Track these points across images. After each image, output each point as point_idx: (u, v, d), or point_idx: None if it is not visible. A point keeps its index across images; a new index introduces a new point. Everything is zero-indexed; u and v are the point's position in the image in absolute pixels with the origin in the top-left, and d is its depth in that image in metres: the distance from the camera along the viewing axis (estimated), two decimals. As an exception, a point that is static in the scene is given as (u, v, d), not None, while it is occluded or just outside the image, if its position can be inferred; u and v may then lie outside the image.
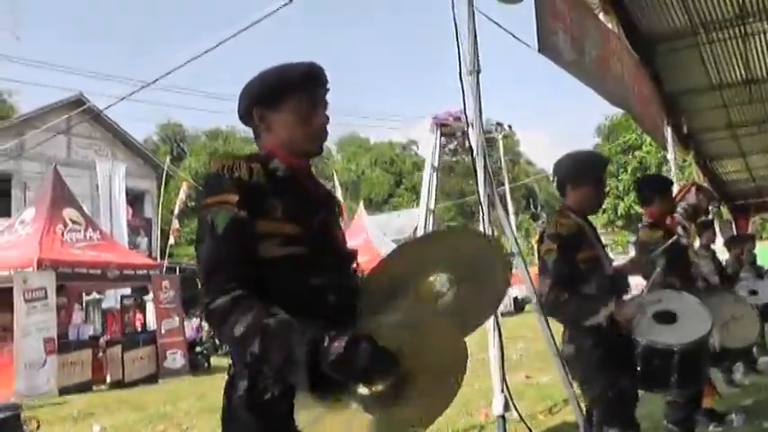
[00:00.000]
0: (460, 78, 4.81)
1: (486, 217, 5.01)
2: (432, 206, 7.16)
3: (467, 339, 2.16)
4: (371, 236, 23.65)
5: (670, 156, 11.45)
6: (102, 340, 18.60)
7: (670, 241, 5.02)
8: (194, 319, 22.50)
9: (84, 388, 16.34)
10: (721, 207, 19.25)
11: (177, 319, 18.95)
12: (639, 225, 6.06)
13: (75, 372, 16.58)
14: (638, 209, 6.02)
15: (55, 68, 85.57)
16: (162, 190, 29.05)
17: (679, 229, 6.03)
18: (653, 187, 5.96)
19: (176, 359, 18.43)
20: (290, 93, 2.38)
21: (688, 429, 5.65)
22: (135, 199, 34.75)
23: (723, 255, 10.95)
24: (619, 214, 41.85)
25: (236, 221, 2.18)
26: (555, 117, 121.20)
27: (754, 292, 8.41)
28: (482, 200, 5.01)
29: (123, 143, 35.52)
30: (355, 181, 65.56)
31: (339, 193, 30.62)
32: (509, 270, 2.41)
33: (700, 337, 3.77)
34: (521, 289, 24.95)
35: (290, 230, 2.25)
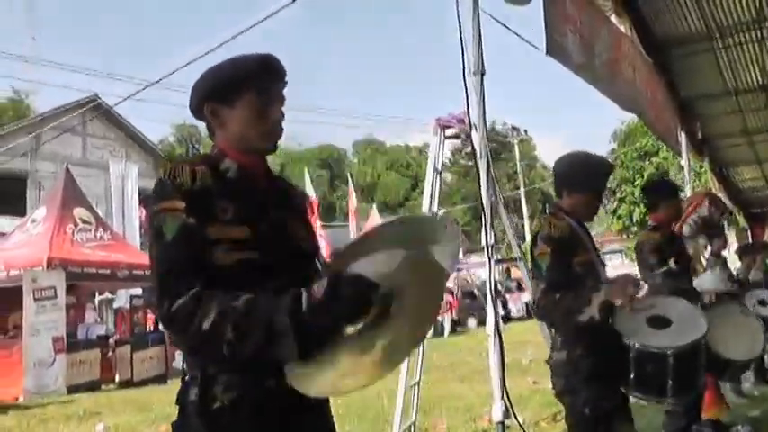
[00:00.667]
0: (464, 79, 4.72)
1: (488, 220, 4.91)
2: (435, 209, 7.03)
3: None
4: None
5: (684, 162, 11.32)
6: (111, 340, 18.64)
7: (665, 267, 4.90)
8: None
9: (92, 387, 16.40)
10: (737, 215, 19.05)
11: (187, 319, 18.74)
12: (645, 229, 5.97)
13: (84, 371, 16.64)
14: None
15: (73, 70, 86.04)
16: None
17: (687, 243, 5.90)
18: (658, 193, 5.86)
19: (186, 359, 18.28)
20: (244, 88, 2.27)
21: None
22: (148, 200, 34.79)
23: (736, 263, 10.82)
24: (634, 221, 41.49)
25: (184, 228, 2.09)
26: (572, 122, 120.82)
27: (763, 303, 8.28)
28: (485, 203, 4.91)
29: (138, 144, 35.69)
30: (371, 184, 65.62)
31: (353, 197, 30.63)
32: (456, 242, 2.33)
33: (695, 341, 3.63)
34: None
35: (239, 235, 2.15)
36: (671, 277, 5.29)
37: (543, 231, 3.82)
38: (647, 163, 43.64)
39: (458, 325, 29.88)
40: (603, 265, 4.01)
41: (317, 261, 2.44)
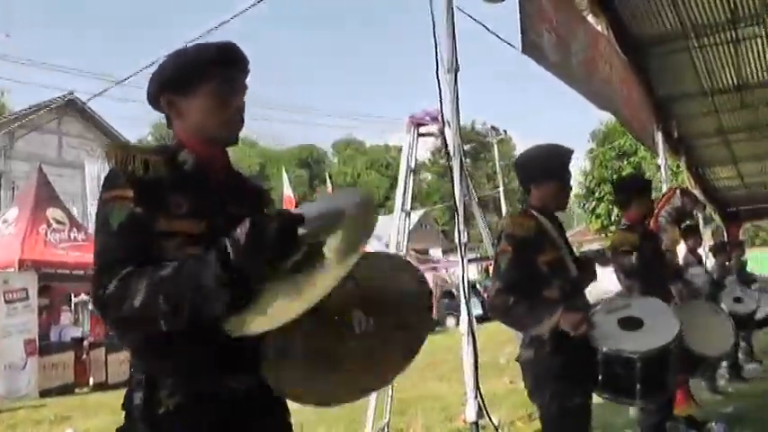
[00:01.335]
0: (437, 77, 4.67)
1: (461, 218, 4.86)
2: (408, 208, 6.98)
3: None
4: (392, 239, 23.44)
5: (661, 161, 11.33)
6: (85, 342, 18.35)
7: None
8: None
9: (66, 390, 16.12)
10: (713, 214, 19.16)
11: (163, 320, 18.56)
12: (617, 228, 5.93)
13: (57, 374, 16.39)
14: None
15: (49, 67, 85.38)
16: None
17: (662, 236, 5.87)
18: (629, 189, 5.80)
19: (161, 361, 18.10)
20: (203, 77, 2.17)
21: None
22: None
23: (709, 261, 10.87)
24: (612, 220, 41.76)
25: (131, 218, 2.00)
26: (552, 122, 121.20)
27: (738, 300, 8.32)
28: (458, 202, 4.85)
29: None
30: (351, 184, 65.62)
31: (331, 197, 30.45)
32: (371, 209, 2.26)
33: (663, 345, 3.58)
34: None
35: (192, 229, 2.07)
36: (645, 276, 5.25)
37: (507, 230, 3.79)
38: (624, 162, 43.97)
39: (436, 324, 29.85)
40: (576, 260, 3.94)
41: None
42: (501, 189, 43.11)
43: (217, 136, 2.23)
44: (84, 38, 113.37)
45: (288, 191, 26.09)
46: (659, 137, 11.00)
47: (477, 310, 27.68)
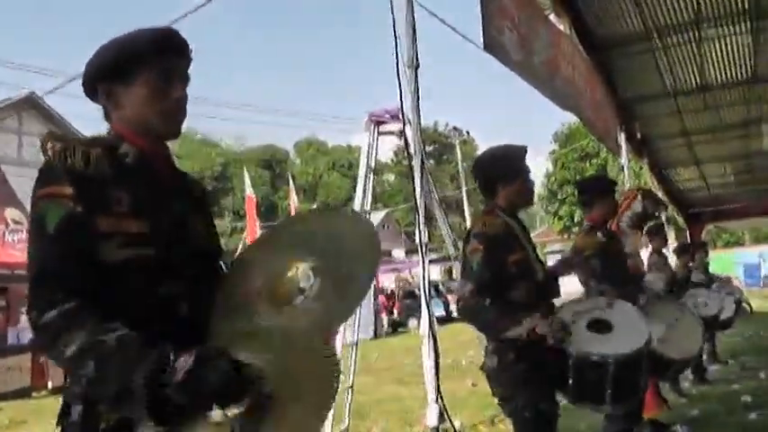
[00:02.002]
0: (398, 73, 4.57)
1: (422, 217, 4.77)
2: (368, 208, 6.88)
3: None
4: None
5: (624, 162, 11.33)
6: (43, 345, 18.06)
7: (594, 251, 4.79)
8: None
9: (23, 394, 15.90)
10: (676, 215, 19.29)
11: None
12: (580, 230, 5.86)
13: (14, 377, 16.17)
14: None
15: (8, 66, 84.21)
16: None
17: (625, 239, 5.81)
18: (591, 190, 5.73)
19: (122, 363, 17.89)
20: (141, 64, 2.01)
21: None
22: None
23: (672, 262, 10.88)
24: (575, 221, 42.06)
25: (69, 218, 1.83)
26: (516, 124, 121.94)
27: (703, 302, 8.33)
28: (418, 200, 4.76)
29: (76, 143, 34.92)
30: (313, 184, 65.45)
31: (294, 197, 30.39)
32: (377, 251, 2.06)
33: (636, 349, 3.52)
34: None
35: (134, 228, 1.90)
36: (608, 278, 5.19)
37: (477, 228, 3.71)
38: (587, 164, 44.29)
39: (399, 326, 29.80)
40: (541, 263, 3.88)
41: (219, 262, 2.21)
42: (464, 190, 43.17)
43: (156, 128, 2.07)
44: (45, 36, 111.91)
45: (249, 191, 25.94)
46: (622, 138, 10.99)
47: (440, 311, 27.70)
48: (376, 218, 43.53)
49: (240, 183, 24.66)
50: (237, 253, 2.55)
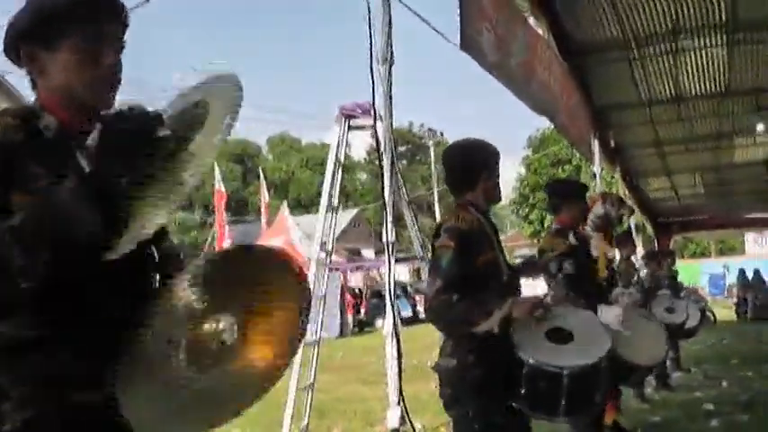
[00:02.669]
0: (371, 68, 4.49)
1: (390, 215, 4.68)
2: (335, 204, 6.79)
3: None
4: (293, 236, 23.11)
5: (596, 169, 11.32)
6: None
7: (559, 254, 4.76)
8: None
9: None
10: (645, 224, 19.39)
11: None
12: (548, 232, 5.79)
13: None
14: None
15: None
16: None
17: (591, 243, 5.76)
18: (561, 193, 5.62)
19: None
20: (68, 26, 1.82)
21: None
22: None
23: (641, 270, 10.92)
24: (545, 225, 42.31)
25: None
26: (490, 127, 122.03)
27: (670, 310, 8.35)
28: (387, 198, 4.68)
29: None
30: (285, 181, 65.15)
31: (265, 192, 30.19)
32: (305, 297, 1.86)
33: (594, 362, 3.35)
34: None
35: None
36: (575, 282, 5.13)
37: (449, 223, 3.50)
38: (559, 170, 44.54)
39: (365, 325, 29.69)
40: (508, 264, 3.76)
41: (150, 250, 2.00)
42: (435, 191, 43.22)
43: (84, 97, 1.87)
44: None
45: (219, 185, 25.74)
46: (596, 145, 10.98)
47: (407, 312, 27.60)
48: (347, 216, 43.36)
49: (211, 176, 24.37)
50: (203, 255, 2.37)
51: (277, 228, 24.34)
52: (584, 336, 3.48)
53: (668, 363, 10.31)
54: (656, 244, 19.45)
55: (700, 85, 10.33)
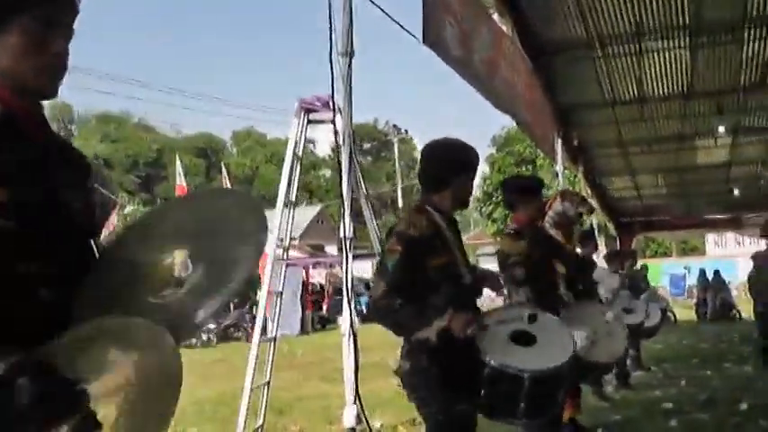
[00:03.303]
0: (330, 60, 4.39)
1: (347, 211, 4.60)
2: (293, 199, 6.70)
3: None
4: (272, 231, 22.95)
5: (559, 168, 11.32)
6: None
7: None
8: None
9: None
10: (608, 223, 19.49)
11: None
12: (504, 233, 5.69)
13: None
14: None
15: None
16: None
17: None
18: (515, 190, 5.50)
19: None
20: (16, 10, 1.73)
21: None
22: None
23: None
24: (509, 224, 42.48)
25: None
26: (455, 125, 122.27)
27: (628, 311, 8.37)
28: (345, 193, 4.59)
29: None
30: (249, 176, 64.76)
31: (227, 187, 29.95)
32: (263, 226, 1.83)
33: (556, 366, 3.30)
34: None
35: None
36: (534, 282, 5.08)
37: (400, 227, 3.46)
38: (523, 169, 44.72)
39: (327, 322, 29.48)
40: (469, 266, 3.67)
41: (92, 242, 1.92)
42: (399, 187, 43.32)
43: (31, 84, 1.79)
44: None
45: (180, 180, 25.48)
46: (559, 144, 10.99)
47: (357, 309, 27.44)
48: (310, 213, 43.20)
49: (172, 171, 24.21)
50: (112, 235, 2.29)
51: (239, 223, 24.20)
52: (548, 339, 3.42)
53: (629, 362, 10.35)
54: (618, 243, 19.57)
55: (663, 87, 10.37)
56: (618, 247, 17.82)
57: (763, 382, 9.50)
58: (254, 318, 7.50)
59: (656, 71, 9.81)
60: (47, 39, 1.78)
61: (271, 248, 6.72)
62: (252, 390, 6.11)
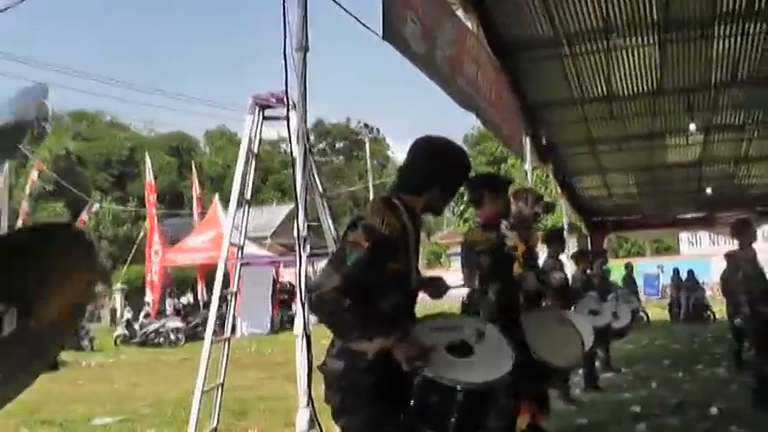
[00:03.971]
0: (284, 55, 4.28)
1: (302, 209, 4.48)
2: (248, 197, 6.58)
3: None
4: (226, 231, 22.83)
5: (528, 167, 11.26)
6: None
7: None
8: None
9: None
10: (579, 222, 19.48)
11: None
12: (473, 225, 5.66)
13: None
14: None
15: None
16: (11, 171, 27.27)
17: (507, 241, 5.64)
18: (480, 187, 5.45)
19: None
20: None
21: None
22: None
23: (570, 269, 10.86)
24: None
25: None
26: (426, 125, 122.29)
27: (594, 312, 8.32)
28: (299, 191, 4.48)
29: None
30: (221, 175, 64.36)
31: (197, 187, 29.96)
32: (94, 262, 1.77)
33: (494, 380, 3.12)
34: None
35: None
36: (496, 278, 5.00)
37: (371, 220, 3.15)
38: (495, 168, 44.79)
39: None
40: (418, 270, 3.49)
41: None
42: (370, 186, 43.37)
43: None
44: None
45: (150, 178, 25.37)
46: (527, 143, 10.93)
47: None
48: (282, 212, 42.95)
49: (142, 169, 24.25)
50: None
51: (209, 221, 24.21)
52: (486, 351, 3.25)
53: (597, 363, 10.30)
54: (588, 242, 19.57)
55: (632, 84, 10.35)
56: (588, 247, 17.81)
57: (736, 385, 9.39)
58: (222, 317, 7.37)
59: (625, 68, 9.79)
60: None
61: (223, 249, 6.65)
62: (205, 392, 5.97)
